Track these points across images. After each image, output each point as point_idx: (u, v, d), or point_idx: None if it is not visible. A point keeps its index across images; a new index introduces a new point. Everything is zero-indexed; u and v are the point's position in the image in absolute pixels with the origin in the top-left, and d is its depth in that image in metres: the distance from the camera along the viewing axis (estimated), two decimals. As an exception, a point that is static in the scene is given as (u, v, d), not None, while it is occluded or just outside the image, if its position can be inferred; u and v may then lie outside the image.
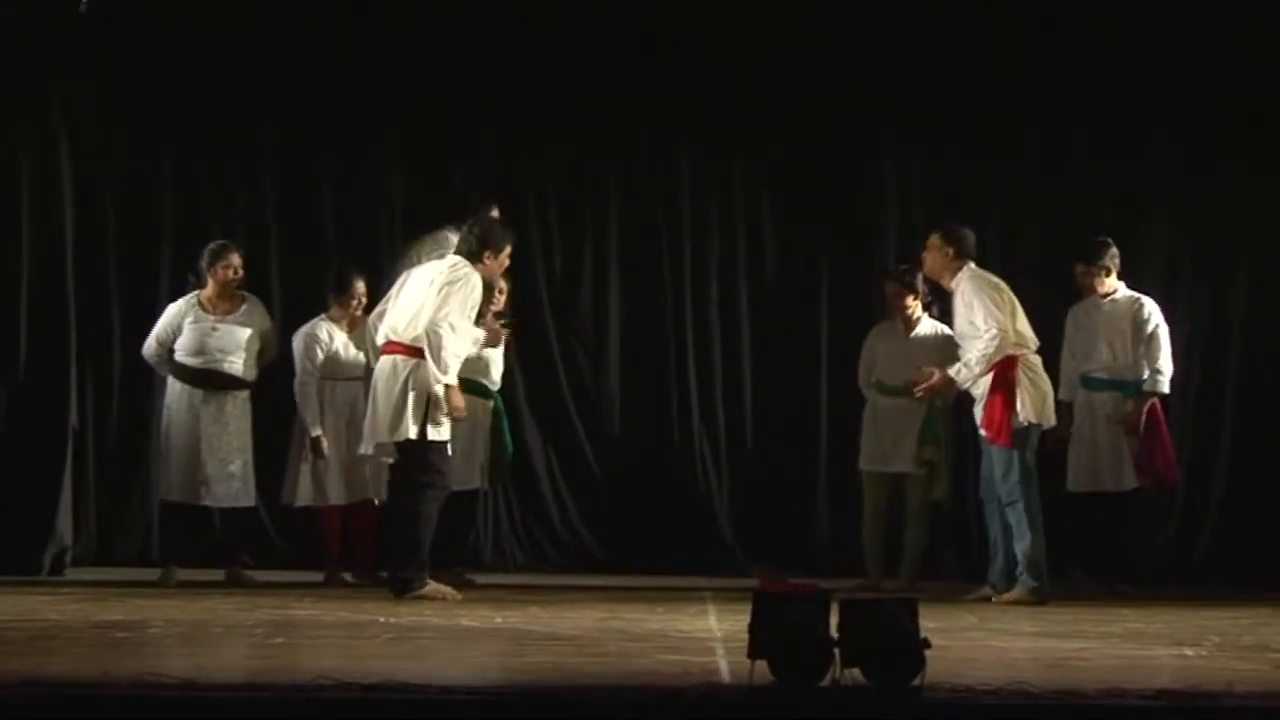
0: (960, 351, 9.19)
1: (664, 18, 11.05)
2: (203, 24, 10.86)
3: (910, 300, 10.04)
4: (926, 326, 10.05)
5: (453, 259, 8.93)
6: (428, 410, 8.69)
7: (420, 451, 8.71)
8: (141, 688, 5.00)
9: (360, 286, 9.88)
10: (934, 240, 9.27)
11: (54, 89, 10.17)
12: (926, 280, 9.82)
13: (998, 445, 8.98)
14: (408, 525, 8.73)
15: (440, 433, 8.74)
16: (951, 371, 9.13)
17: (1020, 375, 9.00)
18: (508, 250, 9.04)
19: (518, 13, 11.02)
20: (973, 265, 9.18)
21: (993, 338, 8.98)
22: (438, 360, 8.66)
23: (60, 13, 10.04)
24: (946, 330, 9.90)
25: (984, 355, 9.00)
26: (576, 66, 11.09)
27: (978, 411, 9.14)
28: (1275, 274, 10.93)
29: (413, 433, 8.69)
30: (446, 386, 8.70)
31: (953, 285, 9.18)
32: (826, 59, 11.08)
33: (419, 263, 9.27)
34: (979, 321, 9.01)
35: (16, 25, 9.98)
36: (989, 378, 8.99)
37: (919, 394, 9.45)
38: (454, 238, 9.62)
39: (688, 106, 11.15)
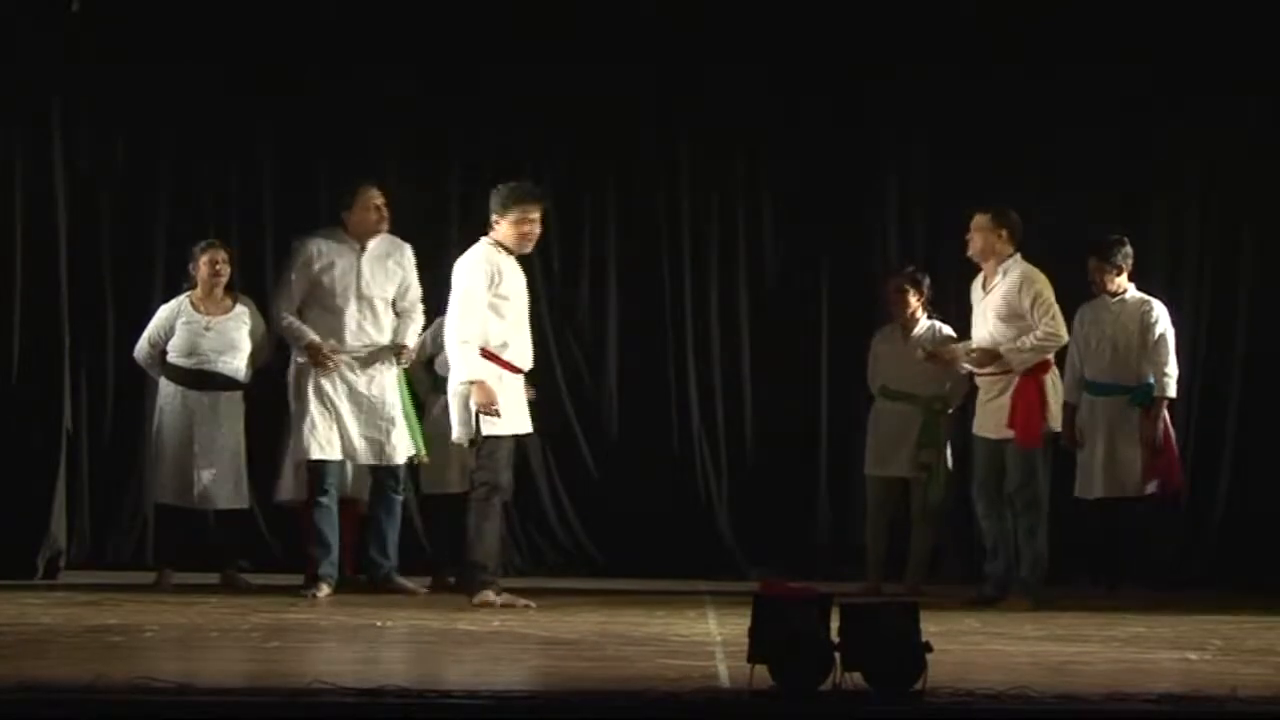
0: (992, 339, 9.04)
1: (663, 17, 11.04)
2: (199, 23, 10.84)
3: (913, 300, 10.03)
4: (924, 328, 10.03)
5: (463, 257, 8.84)
6: (470, 409, 8.62)
7: (475, 451, 8.68)
8: (136, 692, 4.97)
9: None
10: (984, 221, 9.05)
11: (49, 89, 10.12)
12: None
13: (1027, 447, 8.90)
14: (469, 525, 8.67)
15: (492, 427, 8.58)
16: (1003, 349, 8.96)
17: (1049, 379, 8.98)
18: (526, 210, 8.74)
19: (518, 12, 11.01)
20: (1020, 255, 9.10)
21: (1050, 336, 8.93)
22: (457, 370, 8.63)
23: (56, 12, 10.01)
24: (946, 330, 9.93)
25: (1039, 348, 8.94)
26: (576, 66, 11.07)
27: (991, 411, 8.99)
28: (1279, 274, 10.92)
29: (457, 435, 8.66)
30: (473, 384, 8.54)
31: (999, 269, 9.02)
32: (826, 58, 11.07)
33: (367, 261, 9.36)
34: (1034, 314, 8.90)
35: (12, 24, 9.94)
36: (1018, 380, 8.89)
37: (973, 355, 9.18)
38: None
39: (688, 106, 11.14)
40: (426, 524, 10.71)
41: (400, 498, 9.42)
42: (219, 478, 9.62)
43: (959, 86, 11.02)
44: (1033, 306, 8.96)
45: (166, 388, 9.74)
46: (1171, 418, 9.98)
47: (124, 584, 9.61)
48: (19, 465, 9.94)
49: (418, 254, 10.45)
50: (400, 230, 10.60)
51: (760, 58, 11.07)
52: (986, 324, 9.10)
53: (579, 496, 11.18)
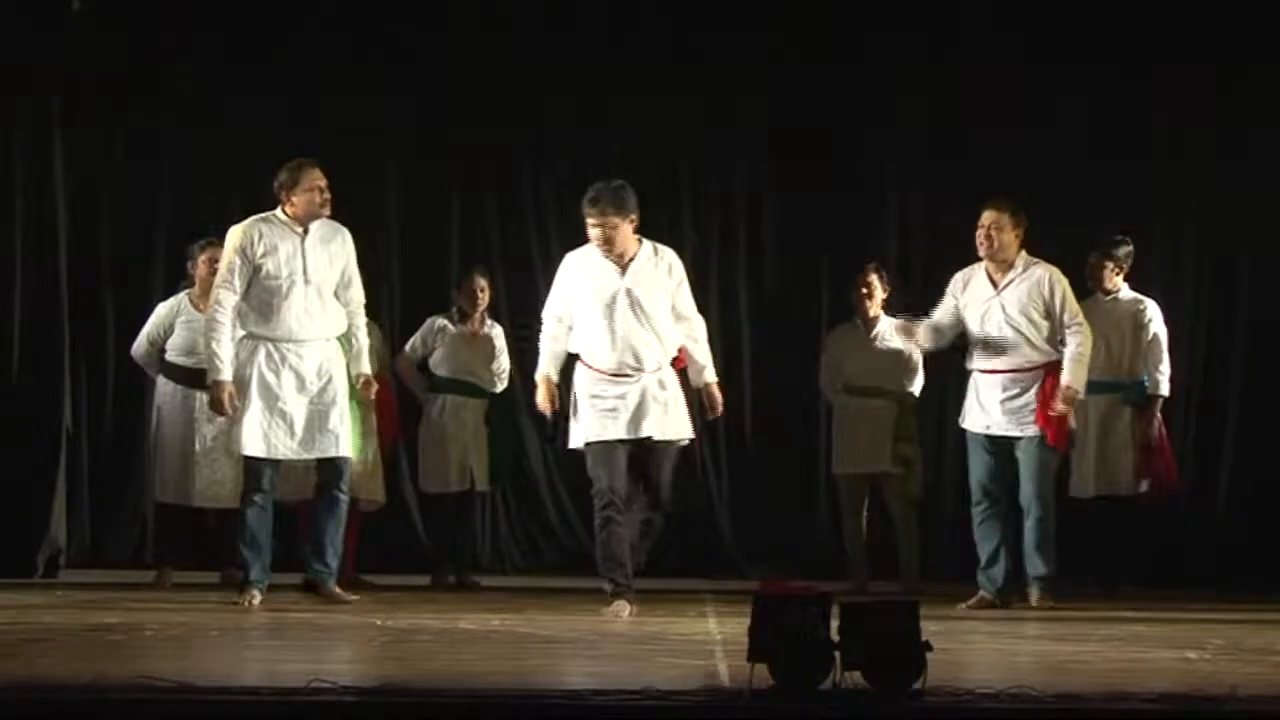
0: (1013, 336, 8.78)
1: (664, 18, 11.05)
2: (199, 23, 10.86)
3: (880, 294, 10.03)
4: (886, 324, 10.05)
5: None
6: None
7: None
8: (136, 690, 4.96)
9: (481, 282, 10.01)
10: (1004, 219, 8.75)
11: (49, 89, 10.13)
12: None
13: (1060, 447, 8.81)
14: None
15: (573, 437, 8.27)
16: (1073, 382, 8.65)
17: None
18: (586, 219, 8.26)
19: (518, 15, 11.02)
20: None
21: (1087, 338, 8.76)
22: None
23: (56, 12, 10.02)
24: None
25: (1087, 354, 8.76)
26: (576, 67, 11.08)
27: (1012, 409, 8.76)
28: (1278, 272, 10.93)
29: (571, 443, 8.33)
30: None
31: (1015, 265, 8.78)
32: (826, 58, 11.09)
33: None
34: (1064, 315, 8.72)
35: (12, 24, 9.95)
36: (1048, 378, 8.71)
37: (1068, 399, 8.72)
38: None
39: (688, 106, 11.15)
40: (425, 523, 10.73)
41: (344, 496, 8.58)
42: (219, 477, 9.62)
43: (959, 86, 11.04)
44: (1063, 307, 8.75)
45: (165, 386, 9.75)
46: (1167, 417, 9.98)
47: (124, 583, 9.61)
48: (19, 465, 9.95)
49: (417, 254, 10.48)
50: (400, 232, 10.62)
51: (761, 57, 11.08)
52: (1005, 319, 8.79)
53: (578, 495, 11.16)
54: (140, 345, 9.84)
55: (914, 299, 10.53)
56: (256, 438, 8.37)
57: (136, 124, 11.05)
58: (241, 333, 8.41)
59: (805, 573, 9.78)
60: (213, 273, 9.70)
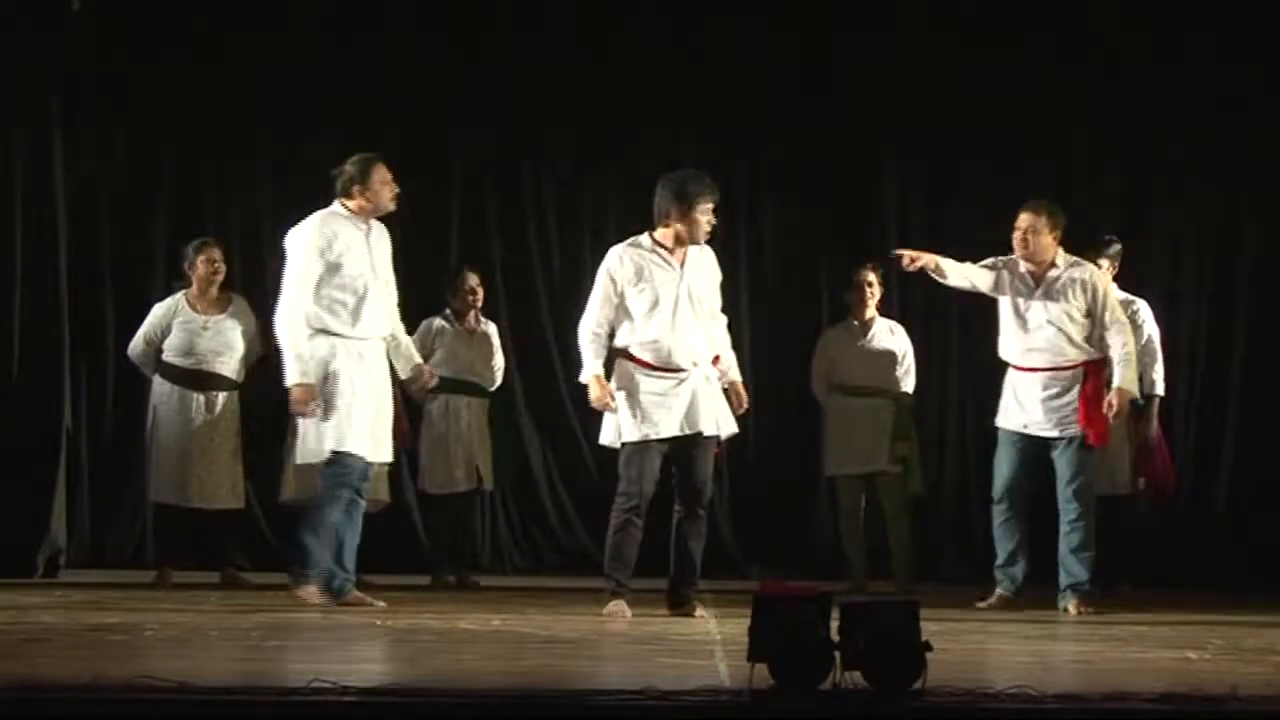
0: (1056, 334, 8.71)
1: (664, 18, 11.05)
2: (199, 23, 10.86)
3: (878, 292, 10.03)
4: (880, 324, 10.05)
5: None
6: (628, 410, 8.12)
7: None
8: (136, 691, 4.95)
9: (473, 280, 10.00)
10: (1040, 221, 8.67)
11: (49, 89, 10.13)
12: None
13: (1101, 445, 8.74)
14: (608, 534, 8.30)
15: (631, 432, 8.12)
16: (1125, 384, 8.63)
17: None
18: (701, 204, 8.01)
19: (519, 15, 11.02)
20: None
21: (1130, 337, 8.75)
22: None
23: (56, 12, 10.02)
24: (898, 327, 10.03)
25: (1132, 354, 8.75)
26: (576, 67, 11.08)
27: (1055, 409, 8.66)
28: (1278, 273, 10.93)
29: (605, 438, 8.27)
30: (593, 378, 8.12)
31: (1054, 266, 8.72)
32: (826, 59, 11.09)
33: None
34: (1106, 317, 8.68)
35: (12, 24, 9.95)
36: (1091, 378, 8.65)
37: (1115, 408, 8.74)
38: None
39: (688, 106, 11.15)
40: (425, 523, 10.73)
41: (365, 502, 8.34)
42: (216, 478, 9.63)
43: (959, 85, 11.04)
44: (1104, 307, 8.71)
45: (161, 387, 9.75)
46: (1165, 417, 9.96)
47: (124, 583, 9.61)
48: (20, 464, 9.94)
49: (417, 254, 10.47)
50: (400, 233, 10.58)
51: (761, 57, 11.09)
52: (1045, 317, 8.69)
53: (578, 495, 11.19)
54: (137, 345, 9.84)
55: (914, 299, 10.56)
56: (340, 434, 8.09)
57: (136, 124, 11.04)
58: (311, 331, 8.11)
59: (805, 573, 9.79)
60: (212, 273, 9.74)
